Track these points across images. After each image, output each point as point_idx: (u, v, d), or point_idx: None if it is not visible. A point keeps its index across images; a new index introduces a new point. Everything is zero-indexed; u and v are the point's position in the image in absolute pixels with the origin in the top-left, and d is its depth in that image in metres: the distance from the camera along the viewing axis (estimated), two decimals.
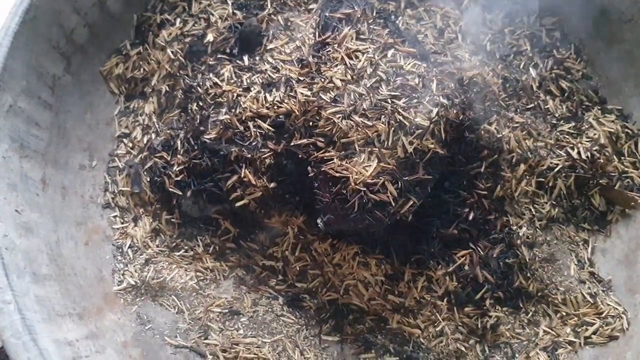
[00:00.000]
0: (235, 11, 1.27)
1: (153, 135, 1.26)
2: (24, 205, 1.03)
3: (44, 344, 0.88)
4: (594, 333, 1.17)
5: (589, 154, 1.25)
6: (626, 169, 1.27)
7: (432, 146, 1.05)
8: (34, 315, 0.91)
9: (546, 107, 1.31)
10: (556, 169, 1.24)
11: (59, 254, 1.08)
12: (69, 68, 1.20)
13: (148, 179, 1.23)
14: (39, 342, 0.88)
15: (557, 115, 1.31)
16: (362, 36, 1.14)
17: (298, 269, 1.18)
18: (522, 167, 1.21)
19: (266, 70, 1.16)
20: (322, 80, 1.08)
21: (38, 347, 0.87)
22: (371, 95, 1.05)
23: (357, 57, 1.10)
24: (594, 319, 1.18)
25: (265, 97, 1.12)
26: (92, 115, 1.27)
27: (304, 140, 1.07)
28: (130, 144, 1.28)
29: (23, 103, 1.08)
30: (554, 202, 1.25)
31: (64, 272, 1.06)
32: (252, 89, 1.14)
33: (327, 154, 1.05)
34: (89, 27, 1.23)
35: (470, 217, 1.16)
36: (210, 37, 1.24)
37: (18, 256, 0.96)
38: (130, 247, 1.20)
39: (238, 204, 1.14)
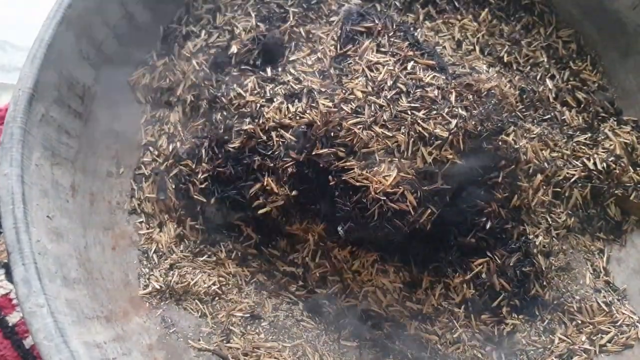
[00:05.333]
0: (258, 23, 1.30)
1: (178, 144, 1.29)
2: (54, 211, 1.06)
3: (74, 346, 0.91)
4: (609, 341, 1.18)
5: (604, 164, 1.27)
6: None
7: (450, 157, 1.08)
8: (64, 318, 0.94)
9: (562, 118, 1.32)
10: (572, 179, 1.25)
11: (87, 258, 1.10)
12: (98, 78, 1.23)
13: (173, 186, 1.26)
14: (70, 344, 0.90)
15: (573, 126, 1.32)
16: (382, 49, 1.16)
17: (318, 275, 1.21)
18: (539, 177, 1.23)
19: (288, 81, 1.19)
20: (344, 91, 1.11)
21: (69, 349, 0.89)
22: (391, 106, 1.08)
23: (377, 69, 1.13)
24: (609, 327, 1.19)
25: (287, 107, 1.15)
26: (120, 124, 1.30)
27: (325, 150, 1.09)
28: (156, 152, 1.31)
29: (54, 112, 1.11)
30: (570, 212, 1.27)
31: (92, 276, 1.09)
32: (274, 99, 1.17)
33: (347, 164, 1.08)
34: (117, 38, 1.27)
35: (488, 226, 1.17)
36: (234, 48, 1.27)
37: (50, 261, 0.98)
38: (155, 252, 1.23)
39: (260, 211, 1.17)
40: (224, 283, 1.22)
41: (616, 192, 1.27)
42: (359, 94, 1.10)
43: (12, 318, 1.24)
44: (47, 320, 0.90)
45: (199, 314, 1.20)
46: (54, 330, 0.90)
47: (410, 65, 1.14)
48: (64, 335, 0.91)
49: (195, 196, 1.22)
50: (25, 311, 0.91)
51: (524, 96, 1.31)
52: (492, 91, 1.19)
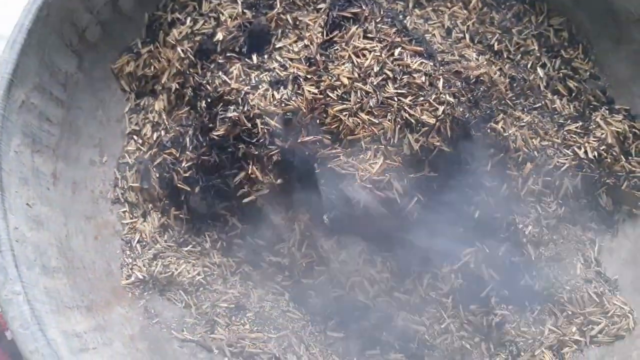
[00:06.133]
0: (244, 10, 1.28)
1: (162, 132, 1.28)
2: (35, 199, 1.05)
3: (52, 335, 0.90)
4: (600, 332, 1.17)
5: (596, 153, 1.25)
6: (633, 168, 1.26)
7: (438, 144, 1.06)
8: (42, 306, 0.92)
9: (553, 106, 1.31)
10: (563, 168, 1.23)
11: (68, 247, 1.09)
12: (81, 65, 1.22)
13: (157, 175, 1.24)
14: (47, 333, 0.89)
15: (564, 114, 1.31)
16: (369, 35, 1.15)
17: (304, 265, 1.19)
18: (529, 165, 1.21)
19: (274, 68, 1.18)
20: (330, 78, 1.10)
21: (46, 337, 0.88)
22: (378, 93, 1.06)
23: (364, 55, 1.12)
24: (600, 318, 1.18)
25: (273, 94, 1.14)
26: (103, 112, 1.28)
27: (311, 137, 1.08)
28: (140, 141, 1.30)
29: (35, 99, 1.09)
30: (561, 201, 1.24)
31: (73, 265, 1.08)
32: (260, 86, 1.16)
33: (333, 151, 1.06)
34: (101, 25, 1.25)
35: (477, 215, 1.16)
36: (219, 35, 1.25)
37: (28, 248, 0.97)
38: (139, 241, 1.22)
39: (245, 200, 1.16)
40: (209, 273, 1.21)
41: (607, 181, 1.25)
42: (345, 81, 1.08)
43: None
44: (23, 308, 0.89)
45: (183, 304, 1.18)
46: (30, 318, 0.89)
47: (397, 51, 1.12)
48: (41, 324, 0.89)
49: (179, 185, 1.21)
50: (1, 299, 0.89)
51: (514, 84, 1.29)
52: (481, 78, 1.18)
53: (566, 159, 1.24)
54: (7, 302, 0.89)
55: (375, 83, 1.08)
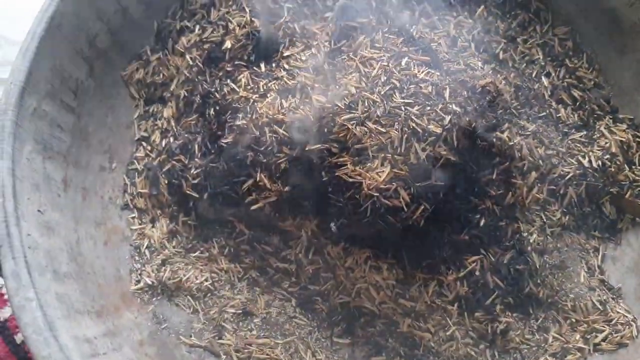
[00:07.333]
0: (253, 19, 1.29)
1: (171, 139, 1.29)
2: (46, 205, 1.05)
3: (64, 340, 0.90)
4: (604, 340, 1.17)
5: (600, 162, 1.26)
6: (637, 177, 1.27)
7: (444, 153, 1.07)
8: (54, 312, 0.93)
9: (558, 115, 1.32)
10: (567, 177, 1.25)
11: (79, 253, 1.10)
12: (91, 73, 1.22)
13: (166, 182, 1.25)
14: (59, 338, 0.89)
15: (568, 123, 1.32)
16: (376, 44, 1.16)
17: (311, 271, 1.20)
18: (534, 174, 1.22)
19: (282, 76, 1.19)
20: (337, 87, 1.10)
21: (58, 343, 0.88)
22: (385, 102, 1.07)
23: (371, 64, 1.13)
24: (603, 326, 1.18)
25: (281, 103, 1.15)
26: (113, 119, 1.29)
27: (319, 146, 1.09)
28: (149, 147, 1.31)
29: (47, 106, 1.10)
30: (565, 210, 1.26)
31: (84, 270, 1.09)
32: (268, 95, 1.17)
33: (340, 160, 1.07)
34: (111, 33, 1.26)
35: (482, 224, 1.17)
36: (228, 44, 1.27)
37: (40, 254, 0.97)
38: (147, 247, 1.23)
39: (253, 207, 1.16)
40: (217, 279, 1.22)
41: (611, 190, 1.27)
42: (353, 90, 1.09)
43: (4, 313, 1.24)
44: (37, 314, 0.90)
45: (191, 310, 1.19)
46: (43, 324, 0.89)
47: (404, 61, 1.13)
48: (53, 330, 0.90)
49: (187, 192, 1.22)
50: (15, 305, 0.90)
51: (519, 93, 1.30)
52: (487, 88, 1.18)
53: (570, 168, 1.26)
54: (20, 308, 0.89)
55: (382, 92, 1.09)
